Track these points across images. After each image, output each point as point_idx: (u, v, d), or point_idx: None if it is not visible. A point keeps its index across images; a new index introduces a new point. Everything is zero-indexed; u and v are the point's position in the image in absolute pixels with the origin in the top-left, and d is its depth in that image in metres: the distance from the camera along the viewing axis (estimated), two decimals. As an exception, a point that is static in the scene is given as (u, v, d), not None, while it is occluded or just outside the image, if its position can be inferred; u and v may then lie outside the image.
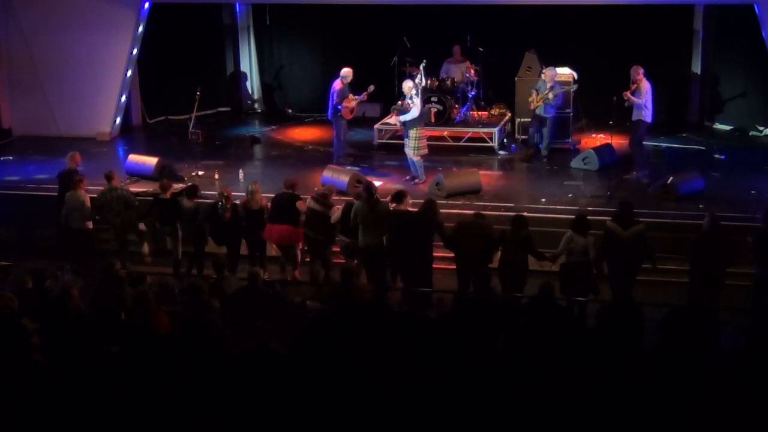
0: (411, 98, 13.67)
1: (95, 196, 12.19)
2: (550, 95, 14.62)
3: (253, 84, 19.97)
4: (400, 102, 13.87)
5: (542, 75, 15.03)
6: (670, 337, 7.44)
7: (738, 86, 16.81)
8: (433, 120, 15.70)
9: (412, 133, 13.56)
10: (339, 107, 14.62)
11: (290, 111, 19.20)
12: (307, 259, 11.90)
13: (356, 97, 14.79)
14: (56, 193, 12.63)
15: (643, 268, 10.42)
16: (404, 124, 13.65)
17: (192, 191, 11.96)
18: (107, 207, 12.04)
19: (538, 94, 14.81)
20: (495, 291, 9.31)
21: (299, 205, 11.40)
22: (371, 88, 14.81)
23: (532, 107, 14.98)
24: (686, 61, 17.38)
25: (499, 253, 10.45)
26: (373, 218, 10.80)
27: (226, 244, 11.67)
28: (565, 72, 15.40)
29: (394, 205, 10.98)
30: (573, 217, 10.66)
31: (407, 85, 13.79)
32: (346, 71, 14.75)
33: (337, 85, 14.69)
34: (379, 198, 11.14)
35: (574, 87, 15.17)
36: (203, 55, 19.05)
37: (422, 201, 11.02)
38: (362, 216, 10.84)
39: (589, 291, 10.16)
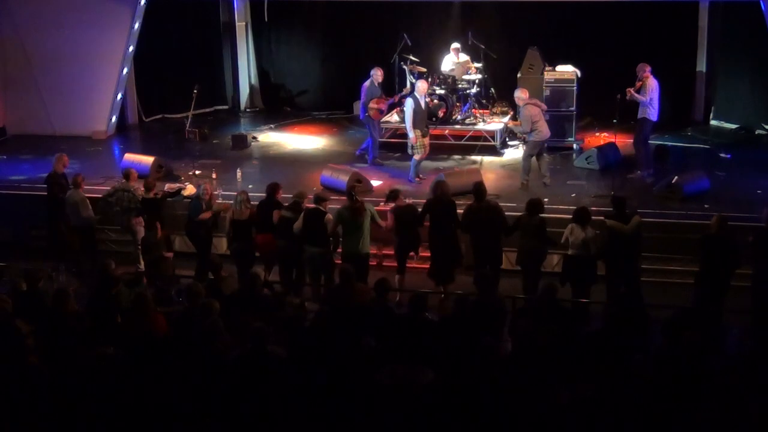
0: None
1: (100, 194, 12.11)
2: (513, 128, 14.07)
3: (251, 82, 19.83)
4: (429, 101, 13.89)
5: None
6: (675, 338, 7.41)
7: (744, 84, 16.72)
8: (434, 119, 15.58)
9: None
10: (366, 107, 14.59)
11: (289, 109, 19.13)
12: None
13: (387, 99, 14.74)
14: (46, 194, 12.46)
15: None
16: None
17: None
18: (114, 204, 11.72)
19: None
20: (497, 292, 9.18)
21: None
22: (400, 96, 14.79)
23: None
24: (691, 58, 17.24)
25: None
26: (355, 224, 10.42)
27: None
28: (567, 69, 15.28)
29: (390, 204, 10.93)
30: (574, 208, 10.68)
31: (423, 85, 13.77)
32: (376, 71, 14.69)
33: (366, 84, 14.65)
34: (363, 203, 10.71)
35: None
36: (200, 52, 19.02)
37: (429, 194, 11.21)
38: (345, 222, 10.48)
39: (591, 283, 10.26)
